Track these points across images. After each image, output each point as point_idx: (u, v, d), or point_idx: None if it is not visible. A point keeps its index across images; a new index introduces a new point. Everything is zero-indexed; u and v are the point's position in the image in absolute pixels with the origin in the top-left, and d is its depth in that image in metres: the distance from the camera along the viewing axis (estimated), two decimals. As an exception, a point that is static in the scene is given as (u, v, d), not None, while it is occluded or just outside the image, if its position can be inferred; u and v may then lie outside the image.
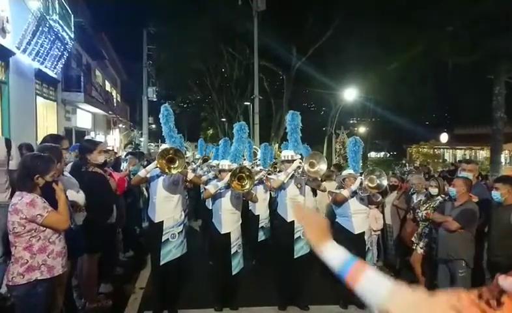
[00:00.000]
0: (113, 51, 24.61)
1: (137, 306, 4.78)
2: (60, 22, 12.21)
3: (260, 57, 17.47)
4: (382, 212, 6.36)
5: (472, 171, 5.22)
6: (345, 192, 4.81)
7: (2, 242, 3.85)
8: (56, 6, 12.27)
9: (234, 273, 4.63)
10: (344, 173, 5.23)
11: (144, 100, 22.32)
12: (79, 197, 3.84)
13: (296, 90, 24.72)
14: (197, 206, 8.48)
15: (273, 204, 6.12)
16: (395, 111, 25.54)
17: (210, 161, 7.26)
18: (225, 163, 4.82)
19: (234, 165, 4.70)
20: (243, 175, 4.47)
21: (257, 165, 6.69)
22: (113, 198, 4.77)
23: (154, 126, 30.84)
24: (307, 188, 5.26)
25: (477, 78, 20.09)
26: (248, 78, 22.51)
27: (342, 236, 4.44)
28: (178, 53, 22.03)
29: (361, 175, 4.89)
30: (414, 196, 5.75)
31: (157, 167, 4.19)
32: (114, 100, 25.75)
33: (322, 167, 4.79)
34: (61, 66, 13.18)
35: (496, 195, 4.26)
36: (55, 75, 13.22)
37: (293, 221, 4.76)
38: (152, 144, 32.94)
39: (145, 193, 6.87)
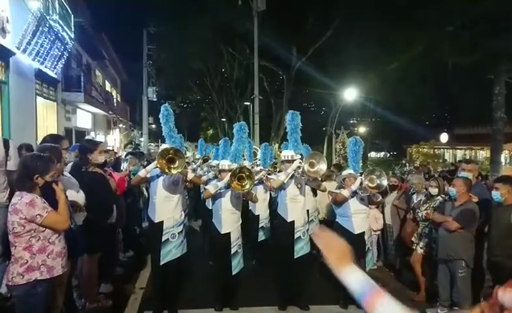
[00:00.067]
0: (113, 51, 24.61)
1: (137, 306, 4.78)
2: (60, 22, 12.22)
3: (260, 57, 17.45)
4: (382, 212, 6.36)
5: (472, 171, 5.21)
6: (345, 192, 4.80)
7: (1, 242, 3.85)
8: (57, 6, 12.28)
9: (234, 273, 4.62)
10: (344, 173, 5.23)
11: (144, 100, 22.32)
12: (79, 197, 3.84)
13: (296, 90, 24.71)
14: (197, 206, 8.48)
15: (273, 204, 6.13)
16: (395, 111, 25.56)
17: (210, 161, 7.25)
18: (225, 164, 4.82)
19: (234, 166, 4.70)
20: (243, 175, 4.46)
21: (257, 165, 6.69)
22: (113, 198, 4.77)
23: (154, 126, 30.82)
24: (307, 188, 5.27)
25: (477, 78, 20.06)
26: (248, 78, 22.50)
27: (342, 236, 4.42)
28: (178, 53, 22.05)
29: (361, 175, 4.88)
30: (414, 196, 5.74)
31: (157, 167, 4.19)
32: (114, 100, 25.73)
33: (322, 167, 4.78)
34: (61, 66, 13.18)
35: (496, 195, 4.26)
36: (55, 75, 13.22)
37: (293, 221, 4.77)
38: (152, 144, 32.91)
39: (145, 193, 6.86)
